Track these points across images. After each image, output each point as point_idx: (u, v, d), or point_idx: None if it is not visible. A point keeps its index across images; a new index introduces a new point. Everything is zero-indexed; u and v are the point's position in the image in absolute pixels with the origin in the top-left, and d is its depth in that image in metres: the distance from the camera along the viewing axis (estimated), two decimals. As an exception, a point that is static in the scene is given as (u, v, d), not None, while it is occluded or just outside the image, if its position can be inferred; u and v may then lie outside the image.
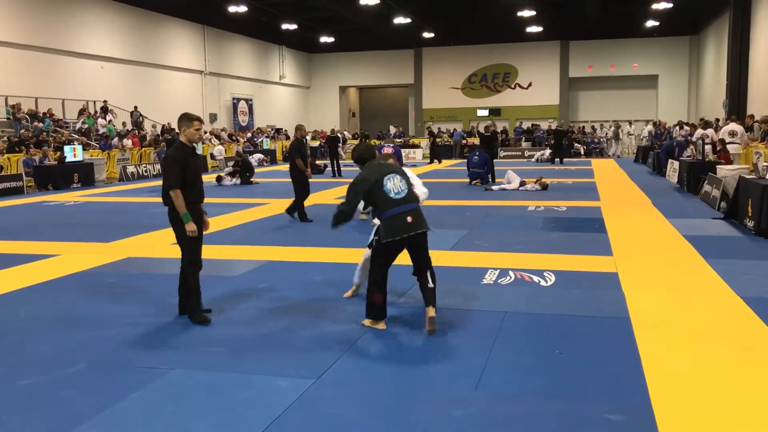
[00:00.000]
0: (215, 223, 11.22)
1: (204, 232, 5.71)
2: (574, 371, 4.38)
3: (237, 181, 19.27)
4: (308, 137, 17.34)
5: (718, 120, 23.45)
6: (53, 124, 22.02)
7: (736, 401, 3.87)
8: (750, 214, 9.71)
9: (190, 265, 5.59)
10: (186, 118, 5.54)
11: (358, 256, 8.29)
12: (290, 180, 11.22)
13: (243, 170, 19.48)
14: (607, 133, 33.34)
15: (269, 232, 10.47)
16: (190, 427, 3.67)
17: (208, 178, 21.22)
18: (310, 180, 11.28)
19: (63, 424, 3.69)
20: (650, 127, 30.02)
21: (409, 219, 5.09)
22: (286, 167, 24.76)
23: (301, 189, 11.17)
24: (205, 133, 29.42)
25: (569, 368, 4.44)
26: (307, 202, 11.25)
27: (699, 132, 19.46)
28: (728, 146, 16.39)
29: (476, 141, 29.10)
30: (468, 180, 17.78)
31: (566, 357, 4.64)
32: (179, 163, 5.39)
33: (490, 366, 4.48)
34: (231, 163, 22.06)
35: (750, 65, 24.26)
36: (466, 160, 19.32)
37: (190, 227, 5.41)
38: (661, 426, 3.55)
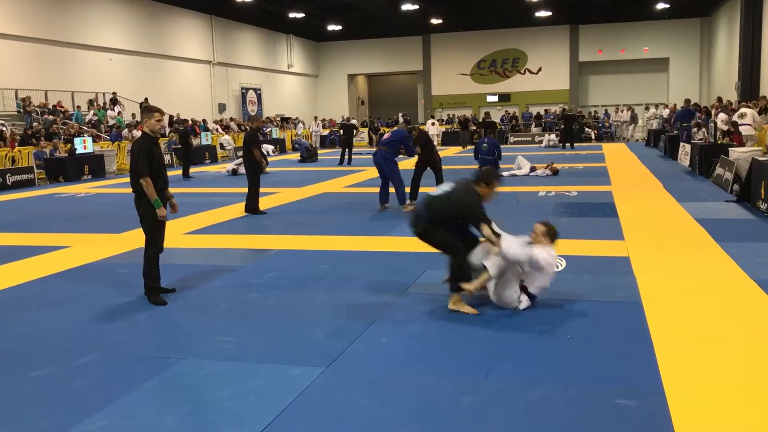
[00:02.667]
0: (226, 213, 11.28)
1: (173, 213, 6.12)
2: (586, 357, 4.36)
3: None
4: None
5: (731, 102, 23.15)
6: (62, 116, 22.07)
7: (749, 386, 3.82)
8: (763, 197, 9.62)
9: (152, 246, 5.89)
10: (147, 110, 5.94)
11: (365, 244, 8.35)
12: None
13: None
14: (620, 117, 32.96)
15: (278, 221, 10.48)
16: (201, 417, 3.68)
17: (218, 168, 21.39)
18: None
19: (75, 414, 3.71)
20: (661, 110, 29.63)
21: None
22: (294, 156, 24.96)
23: (256, 181, 10.97)
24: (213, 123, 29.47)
25: (581, 354, 4.41)
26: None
27: (722, 116, 19.04)
28: (740, 128, 16.17)
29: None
30: (477, 167, 17.70)
31: (578, 342, 4.62)
32: (147, 152, 5.73)
33: (502, 352, 4.46)
34: (240, 153, 22.07)
35: (762, 46, 23.94)
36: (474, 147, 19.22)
37: (161, 212, 5.78)
38: (674, 411, 3.52)
